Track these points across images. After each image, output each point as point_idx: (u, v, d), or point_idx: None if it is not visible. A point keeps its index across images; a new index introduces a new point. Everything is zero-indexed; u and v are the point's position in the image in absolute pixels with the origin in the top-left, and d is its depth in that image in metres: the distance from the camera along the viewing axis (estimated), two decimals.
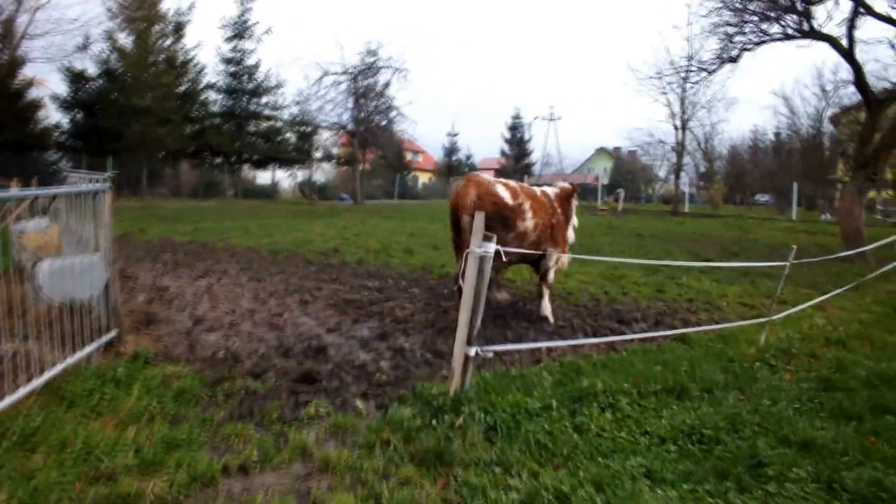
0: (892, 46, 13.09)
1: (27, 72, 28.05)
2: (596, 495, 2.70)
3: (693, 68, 18.15)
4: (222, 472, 2.84)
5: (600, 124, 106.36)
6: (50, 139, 30.24)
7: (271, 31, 39.64)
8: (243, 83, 37.26)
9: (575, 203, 6.70)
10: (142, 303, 6.45)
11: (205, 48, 71.47)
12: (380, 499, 2.64)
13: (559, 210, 6.29)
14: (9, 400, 3.20)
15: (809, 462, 3.03)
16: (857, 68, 12.99)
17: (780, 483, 2.83)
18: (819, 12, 15.76)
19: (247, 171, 40.98)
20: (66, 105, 30.58)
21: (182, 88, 33.98)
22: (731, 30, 14.75)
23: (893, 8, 11.94)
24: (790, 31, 13.78)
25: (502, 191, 5.54)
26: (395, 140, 40.40)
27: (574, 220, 6.75)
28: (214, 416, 3.46)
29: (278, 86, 38.20)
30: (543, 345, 4.97)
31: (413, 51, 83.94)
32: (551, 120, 56.99)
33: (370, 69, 32.65)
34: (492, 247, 3.46)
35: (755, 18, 14.25)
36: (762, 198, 49.19)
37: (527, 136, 58.61)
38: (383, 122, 34.61)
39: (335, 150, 42.61)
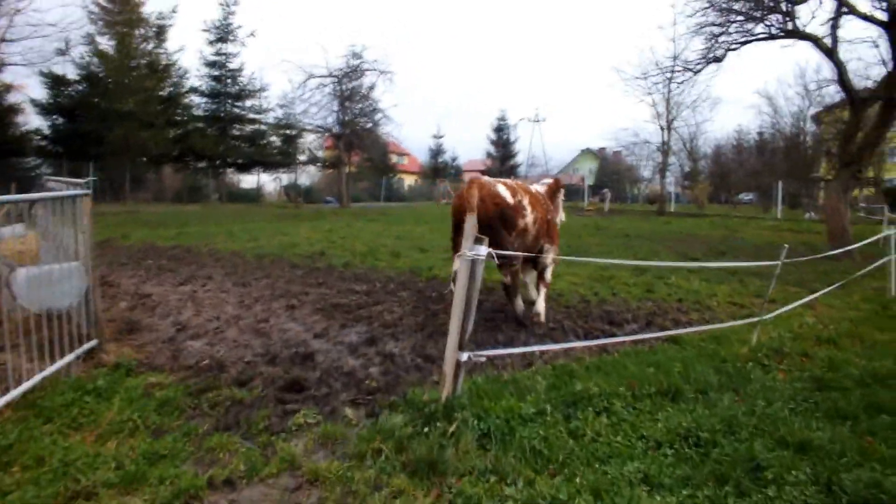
0: (875, 45, 13.28)
1: (5, 76, 27.66)
2: (594, 503, 2.64)
3: (678, 68, 18.36)
4: (207, 486, 2.73)
5: (586, 125, 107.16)
6: (29, 144, 29.88)
7: (255, 34, 39.65)
8: (227, 86, 37.12)
9: (561, 198, 6.94)
10: (123, 310, 6.30)
11: (188, 52, 70.98)
12: None
13: (550, 206, 6.52)
14: None
15: (807, 464, 2.99)
16: (840, 67, 13.13)
17: (780, 486, 2.79)
18: (803, 11, 15.96)
19: (231, 174, 40.83)
20: (46, 110, 30.20)
21: (165, 92, 33.75)
22: (716, 30, 14.90)
23: (876, 7, 12.08)
24: (774, 31, 13.93)
25: (503, 190, 5.62)
26: (381, 142, 40.31)
27: (561, 215, 6.99)
28: (199, 428, 3.35)
29: (262, 89, 38.17)
30: (536, 348, 4.92)
31: (398, 53, 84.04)
32: (536, 121, 57.44)
33: (355, 72, 32.55)
34: (483, 250, 3.38)
35: (740, 18, 14.39)
36: (746, 196, 49.86)
37: (512, 138, 59.11)
38: (368, 125, 34.47)
39: (320, 153, 42.47)
